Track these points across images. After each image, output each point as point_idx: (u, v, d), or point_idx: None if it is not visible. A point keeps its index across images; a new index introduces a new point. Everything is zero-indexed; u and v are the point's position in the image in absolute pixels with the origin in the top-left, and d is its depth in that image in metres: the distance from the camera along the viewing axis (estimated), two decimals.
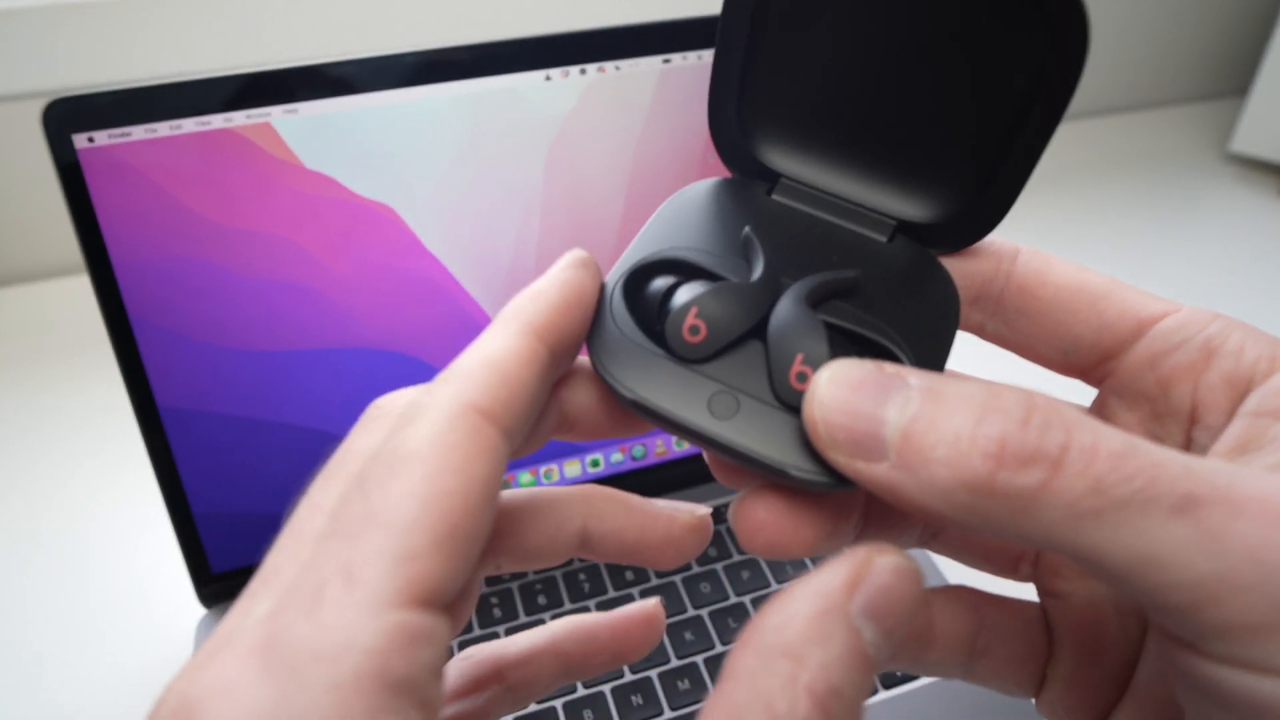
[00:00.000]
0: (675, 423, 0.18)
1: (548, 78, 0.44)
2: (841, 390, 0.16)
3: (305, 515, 0.17)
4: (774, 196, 0.22)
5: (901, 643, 0.17)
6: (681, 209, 0.21)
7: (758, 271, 0.19)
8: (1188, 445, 0.19)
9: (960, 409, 0.15)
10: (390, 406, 0.19)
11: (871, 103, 0.20)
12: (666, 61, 0.45)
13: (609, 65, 0.45)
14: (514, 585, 0.48)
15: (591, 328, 0.19)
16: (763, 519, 0.18)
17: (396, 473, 0.16)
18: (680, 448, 0.52)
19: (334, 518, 0.16)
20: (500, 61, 0.43)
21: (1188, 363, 0.18)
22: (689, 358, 0.19)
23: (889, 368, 0.17)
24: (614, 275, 0.20)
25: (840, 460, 0.16)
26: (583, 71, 0.44)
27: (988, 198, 0.20)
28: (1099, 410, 0.20)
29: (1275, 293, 0.74)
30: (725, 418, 0.18)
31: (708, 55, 0.46)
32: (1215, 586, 0.13)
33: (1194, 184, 0.88)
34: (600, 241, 0.47)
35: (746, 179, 0.22)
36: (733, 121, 0.21)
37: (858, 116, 0.21)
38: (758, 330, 0.19)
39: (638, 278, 0.20)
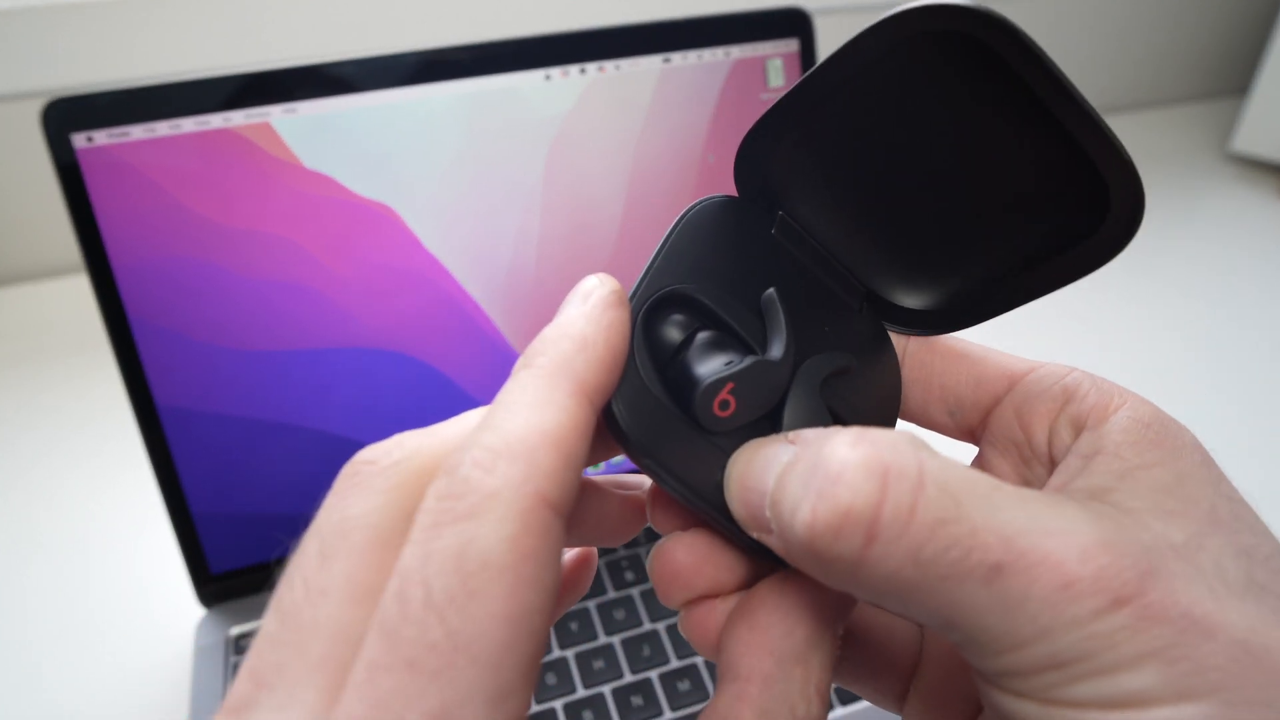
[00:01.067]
0: (686, 490, 0.18)
1: (547, 77, 0.44)
2: (738, 471, 0.18)
3: (308, 599, 0.15)
4: (774, 233, 0.22)
5: None
6: (697, 232, 0.21)
7: (778, 346, 0.20)
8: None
9: (799, 473, 0.16)
10: (385, 460, 0.17)
11: (900, 185, 0.21)
12: (666, 61, 0.45)
13: (609, 65, 0.45)
14: None
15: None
16: (683, 562, 0.19)
17: (474, 589, 0.14)
18: None
19: (396, 638, 0.14)
20: (500, 61, 0.43)
21: (1045, 410, 0.20)
22: (709, 429, 0.18)
23: (792, 434, 0.18)
24: (635, 302, 0.19)
25: (754, 535, 0.18)
26: (583, 71, 0.44)
27: (966, 307, 0.21)
28: (979, 462, 0.22)
29: (1275, 293, 0.74)
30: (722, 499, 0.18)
31: (708, 55, 0.46)
32: (1005, 641, 0.15)
33: (1194, 184, 0.88)
34: (600, 241, 0.47)
35: (750, 205, 0.22)
36: (769, 147, 0.21)
37: (882, 191, 0.21)
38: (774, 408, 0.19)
39: (654, 305, 0.20)
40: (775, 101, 0.20)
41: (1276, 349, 0.67)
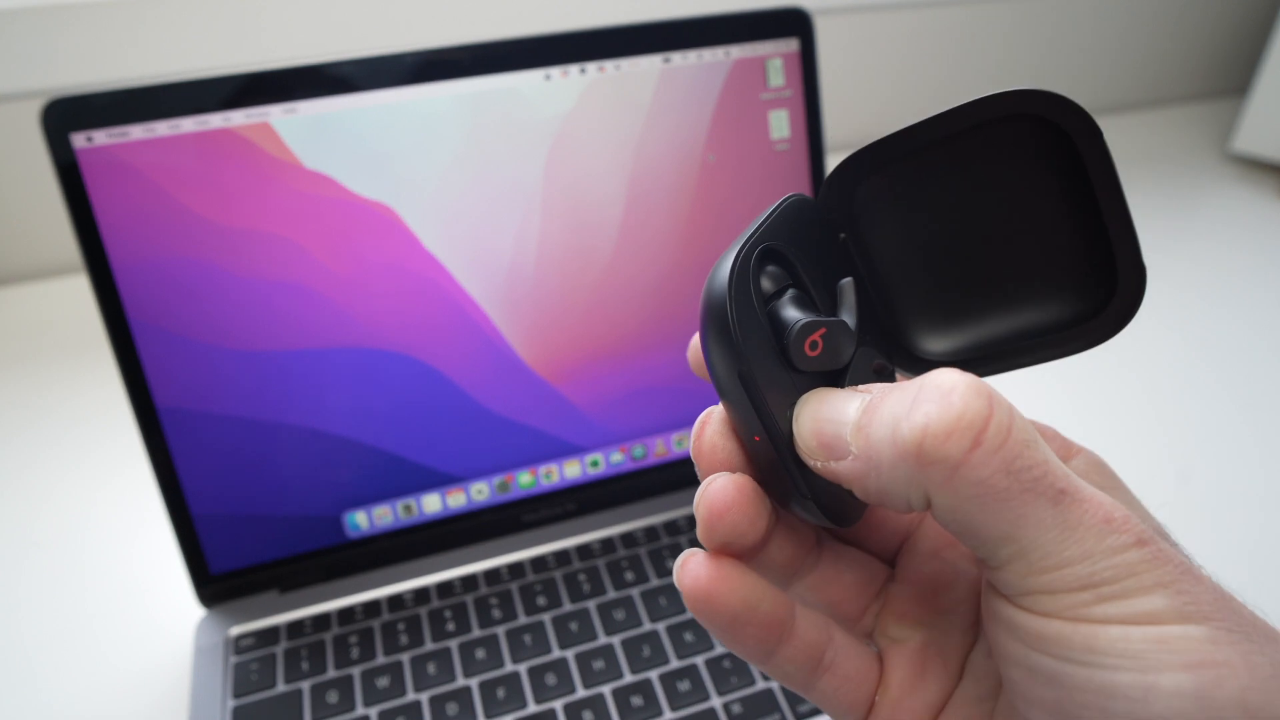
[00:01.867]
0: (760, 409, 0.20)
1: (547, 77, 0.44)
2: (812, 406, 0.21)
3: None
4: (836, 247, 0.25)
5: (762, 631, 0.21)
6: (792, 215, 0.23)
7: (851, 321, 0.22)
8: None
9: (898, 398, 0.19)
10: None
11: (946, 244, 0.24)
12: (666, 61, 0.45)
13: (609, 65, 0.45)
14: (514, 586, 0.47)
15: (732, 280, 0.21)
16: (732, 498, 0.21)
17: None
18: (679, 448, 0.52)
19: None
20: (500, 61, 0.43)
21: None
22: (794, 365, 0.21)
23: (862, 387, 0.21)
24: (750, 241, 0.21)
25: (818, 465, 0.20)
26: (583, 71, 0.44)
27: (964, 366, 0.24)
28: None
29: (1275, 292, 0.74)
30: (787, 430, 0.21)
31: (708, 54, 0.46)
32: (1053, 559, 0.18)
33: (1194, 184, 0.88)
34: (600, 241, 0.47)
35: (826, 214, 0.24)
36: (855, 178, 0.24)
37: (929, 245, 0.24)
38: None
39: (762, 252, 0.22)
40: (875, 140, 0.23)
41: (1276, 349, 0.67)
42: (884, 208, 0.24)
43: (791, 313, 0.21)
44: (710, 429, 0.22)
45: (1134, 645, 0.17)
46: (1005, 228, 0.23)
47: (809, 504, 0.21)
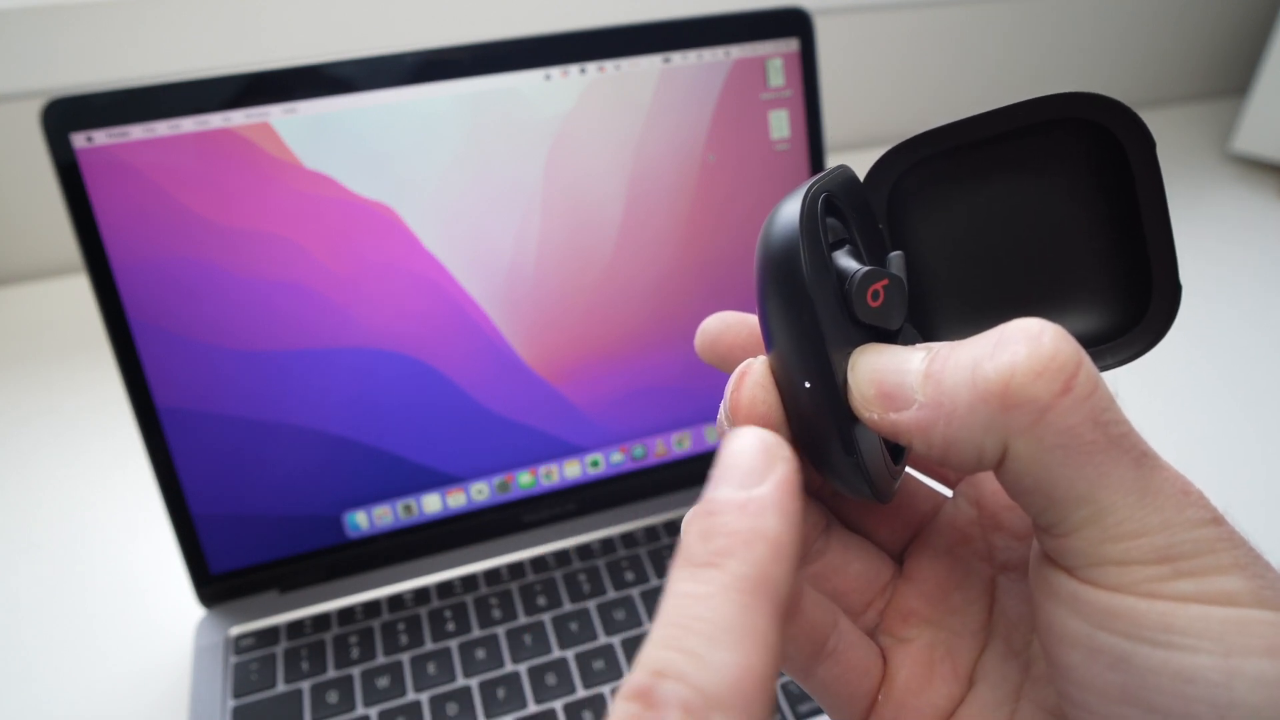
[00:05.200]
0: (818, 352, 0.19)
1: (547, 77, 0.44)
2: (870, 357, 0.19)
3: None
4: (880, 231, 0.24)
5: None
6: (846, 185, 0.22)
7: (905, 285, 0.22)
8: None
9: (977, 343, 0.18)
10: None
11: (983, 246, 0.23)
12: (666, 61, 0.45)
13: (609, 65, 0.45)
14: (514, 586, 0.47)
15: (803, 216, 0.20)
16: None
17: None
18: (679, 448, 0.52)
19: None
20: (500, 61, 0.43)
21: None
22: (853, 313, 0.20)
23: (919, 345, 0.19)
24: (819, 185, 0.21)
25: (874, 417, 0.19)
26: (583, 71, 0.44)
27: None
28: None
29: (1275, 292, 0.74)
30: (841, 380, 0.20)
31: (708, 54, 0.46)
32: (1131, 525, 0.17)
33: (1194, 184, 0.88)
34: (600, 241, 0.47)
35: (871, 192, 0.24)
36: (899, 166, 0.23)
37: (966, 245, 0.23)
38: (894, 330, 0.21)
39: (825, 201, 0.21)
40: (920, 133, 0.22)
41: (1276, 349, 0.67)
42: (923, 202, 0.23)
43: (851, 263, 0.20)
44: (751, 379, 0.20)
45: (1214, 626, 0.16)
46: (1043, 232, 0.22)
47: (851, 464, 0.20)
